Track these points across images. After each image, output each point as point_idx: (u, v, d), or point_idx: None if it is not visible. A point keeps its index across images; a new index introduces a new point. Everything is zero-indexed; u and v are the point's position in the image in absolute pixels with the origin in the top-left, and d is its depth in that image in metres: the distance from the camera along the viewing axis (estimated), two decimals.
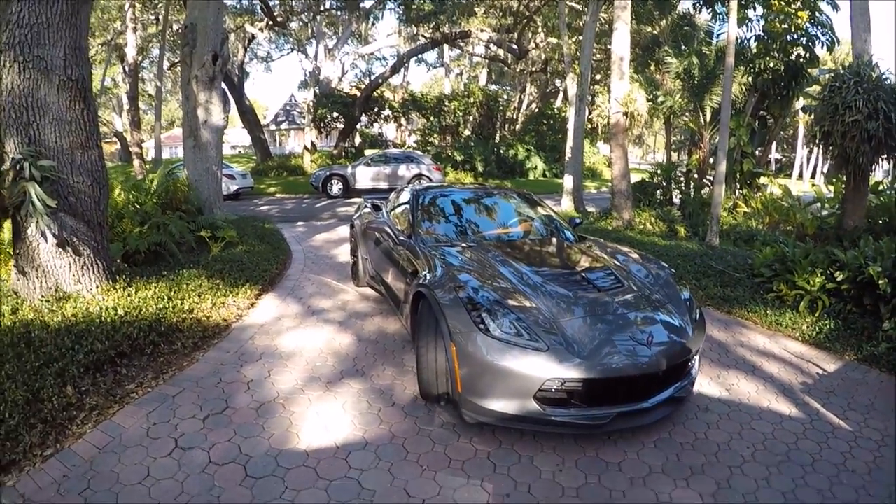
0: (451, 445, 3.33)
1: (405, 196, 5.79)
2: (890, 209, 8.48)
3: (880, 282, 5.24)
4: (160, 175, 8.91)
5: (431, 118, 30.02)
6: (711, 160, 12.57)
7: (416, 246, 4.65)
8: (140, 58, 27.84)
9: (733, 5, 8.31)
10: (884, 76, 6.72)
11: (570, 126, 14.01)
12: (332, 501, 2.78)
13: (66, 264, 5.17)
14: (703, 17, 16.41)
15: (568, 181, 14.21)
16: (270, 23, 24.81)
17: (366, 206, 6.77)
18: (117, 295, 5.23)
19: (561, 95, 35.36)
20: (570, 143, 14.18)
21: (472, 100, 30.15)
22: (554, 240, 5.25)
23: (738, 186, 13.05)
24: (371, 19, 27.54)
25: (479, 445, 3.33)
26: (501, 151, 28.30)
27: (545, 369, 3.10)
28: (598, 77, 28.98)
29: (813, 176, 38.45)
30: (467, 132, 30.53)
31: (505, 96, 33.04)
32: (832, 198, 9.85)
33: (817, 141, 6.44)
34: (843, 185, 7.27)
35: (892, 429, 3.69)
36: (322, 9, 24.84)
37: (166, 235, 7.24)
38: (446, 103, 30.23)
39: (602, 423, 3.19)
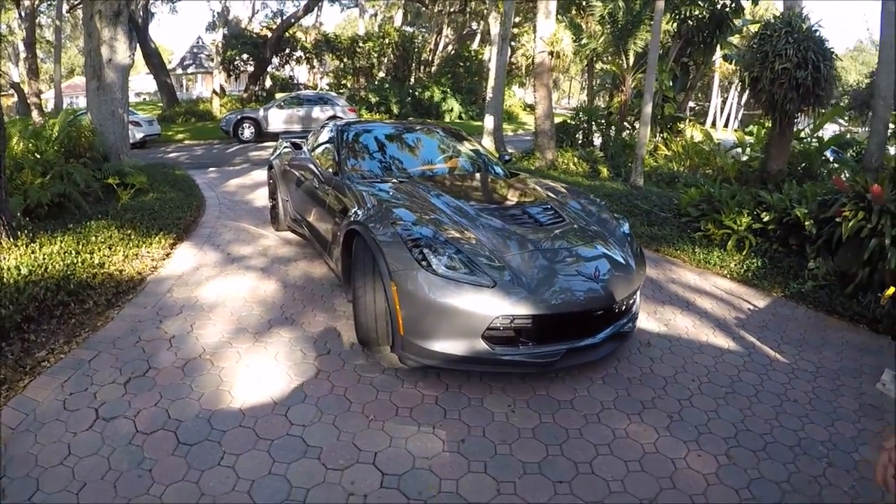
0: (396, 392, 3.19)
1: (327, 133, 5.50)
2: (810, 155, 8.97)
3: (806, 223, 5.48)
4: (62, 121, 8.34)
5: (345, 60, 29.01)
6: (632, 103, 12.77)
7: (343, 183, 4.40)
8: (37, 0, 24.99)
9: None
10: (813, 28, 6.93)
11: (492, 66, 13.75)
12: (276, 462, 2.57)
13: None
14: None
15: (489, 121, 14.06)
16: None
17: (285, 146, 6.42)
18: (20, 253, 4.77)
19: (478, 38, 35.03)
20: (491, 82, 13.95)
21: (387, 41, 29.31)
22: (487, 175, 5.12)
23: (659, 130, 13.40)
24: None
25: (426, 391, 3.21)
26: (417, 94, 27.85)
27: (493, 306, 2.99)
28: (517, 19, 28.72)
29: (726, 125, 40.23)
30: (381, 74, 29.76)
31: (421, 38, 32.29)
32: (753, 143, 10.26)
33: (746, 86, 6.59)
34: (768, 131, 7.55)
35: (825, 360, 3.89)
36: None
37: (70, 185, 6.73)
38: (360, 44, 29.26)
39: (552, 361, 3.14)
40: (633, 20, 12.50)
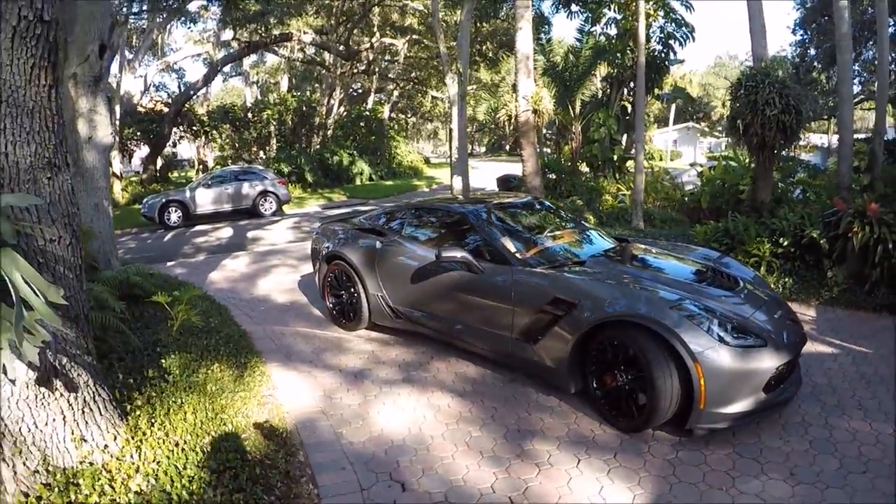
0: (708, 461, 3.65)
1: (440, 217, 5.93)
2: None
3: (822, 241, 6.99)
4: None
5: (243, 130, 29.32)
6: (584, 149, 14.42)
7: (529, 273, 4.61)
8: None
9: (641, 8, 10.05)
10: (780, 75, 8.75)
11: (454, 126, 14.68)
12: None
13: (58, 413, 3.12)
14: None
15: (457, 182, 15.04)
16: None
17: (346, 229, 6.45)
18: (151, 442, 3.52)
19: (371, 97, 36.74)
20: (455, 143, 14.86)
21: (284, 107, 30.01)
22: (630, 244, 5.66)
23: (612, 172, 15.15)
24: (188, 23, 25.91)
25: (720, 450, 3.76)
26: (326, 158, 28.62)
27: (771, 361, 3.69)
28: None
29: None
30: (274, 143, 30.26)
31: (316, 102, 33.31)
32: (722, 175, 12.03)
33: (741, 132, 8.23)
34: (755, 167, 9.33)
35: (890, 344, 5.37)
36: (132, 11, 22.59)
37: (105, 311, 5.20)
38: (256, 113, 29.74)
39: (793, 393, 4.04)
40: (583, 73, 14.28)
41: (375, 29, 26.92)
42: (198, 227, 17.40)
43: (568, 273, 4.57)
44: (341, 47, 25.82)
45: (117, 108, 23.96)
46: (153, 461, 3.34)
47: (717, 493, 3.35)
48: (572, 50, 15.07)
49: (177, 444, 3.55)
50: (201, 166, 31.87)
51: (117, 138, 24.20)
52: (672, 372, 3.70)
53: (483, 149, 68.73)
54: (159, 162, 27.89)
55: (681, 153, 49.38)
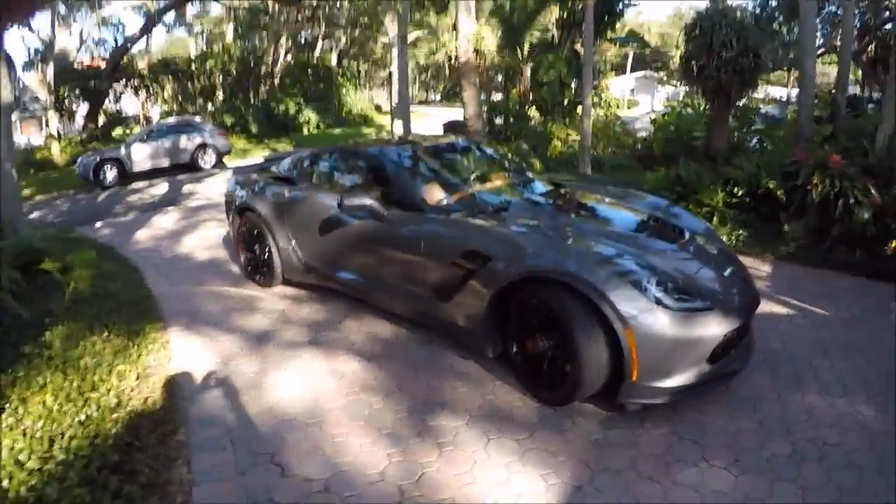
0: (641, 442, 3.13)
1: (347, 162, 5.26)
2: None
3: (778, 192, 6.47)
4: None
5: (186, 83, 27.81)
6: (533, 92, 13.73)
7: (442, 220, 4.07)
8: None
9: None
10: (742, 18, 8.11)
11: (394, 69, 14.02)
12: None
13: None
14: None
15: (398, 126, 14.32)
16: None
17: (261, 181, 5.80)
18: (6, 424, 3.16)
19: (319, 44, 35.28)
20: (395, 87, 14.19)
21: (228, 57, 28.55)
22: (568, 191, 4.97)
23: (562, 116, 14.50)
24: None
25: (655, 430, 3.22)
26: (272, 108, 27.43)
27: (718, 327, 3.10)
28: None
29: None
30: (220, 94, 28.89)
31: (262, 51, 31.80)
32: (675, 120, 11.47)
33: (695, 75, 7.61)
34: (711, 112, 8.76)
35: (850, 307, 4.87)
36: None
37: None
38: (196, 65, 28.18)
39: (743, 363, 3.42)
40: (529, 15, 13.48)
41: None
42: (134, 185, 16.61)
43: (485, 221, 3.99)
44: None
45: (51, 67, 22.39)
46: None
47: (646, 483, 2.82)
48: None
49: (25, 433, 3.09)
50: (145, 122, 30.30)
51: (53, 97, 22.71)
52: (599, 338, 3.09)
53: (438, 96, 67.29)
54: (101, 119, 26.35)
55: (638, 101, 48.73)
